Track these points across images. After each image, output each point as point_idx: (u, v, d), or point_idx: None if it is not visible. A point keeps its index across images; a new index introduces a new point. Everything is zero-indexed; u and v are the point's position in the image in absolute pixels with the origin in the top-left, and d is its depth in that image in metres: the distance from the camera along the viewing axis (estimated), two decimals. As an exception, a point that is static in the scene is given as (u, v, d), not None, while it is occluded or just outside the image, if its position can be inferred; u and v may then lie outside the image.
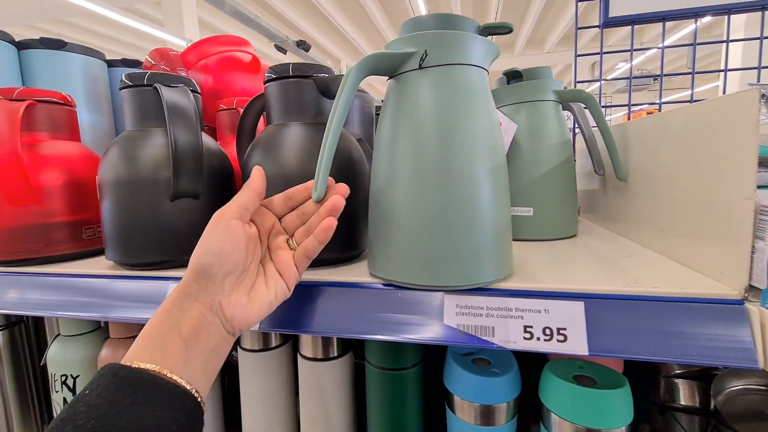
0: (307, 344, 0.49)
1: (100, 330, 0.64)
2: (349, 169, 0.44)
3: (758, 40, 0.76)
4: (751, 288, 0.31)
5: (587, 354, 0.31)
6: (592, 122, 0.57)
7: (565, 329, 0.32)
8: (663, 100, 0.82)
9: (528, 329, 0.33)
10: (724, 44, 0.80)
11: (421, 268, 0.35)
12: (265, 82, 0.46)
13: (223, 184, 0.49)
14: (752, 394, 0.41)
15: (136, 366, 0.26)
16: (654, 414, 0.49)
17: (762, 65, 0.79)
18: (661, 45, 0.80)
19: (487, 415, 0.43)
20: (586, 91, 0.55)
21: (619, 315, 0.32)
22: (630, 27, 0.81)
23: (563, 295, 0.34)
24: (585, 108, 0.57)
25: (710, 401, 0.44)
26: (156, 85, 0.43)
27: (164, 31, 4.24)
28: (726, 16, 0.78)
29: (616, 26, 0.79)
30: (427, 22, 0.35)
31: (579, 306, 0.33)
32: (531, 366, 0.50)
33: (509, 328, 0.33)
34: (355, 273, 0.41)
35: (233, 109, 0.62)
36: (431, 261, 0.34)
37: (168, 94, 0.42)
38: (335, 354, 0.49)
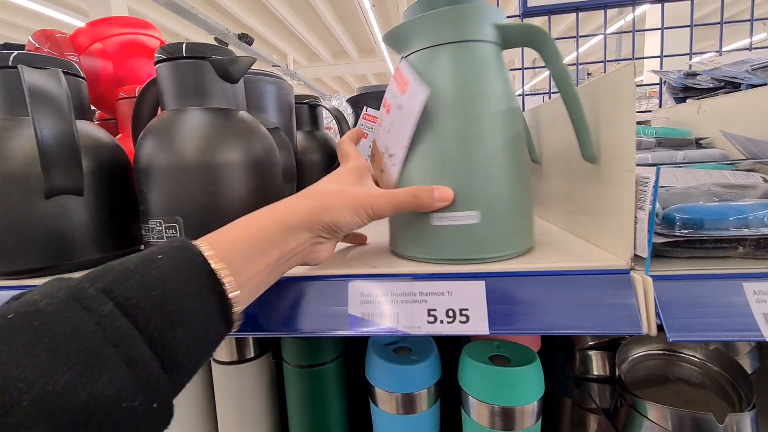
0: (221, 347, 0.46)
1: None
2: (256, 157, 0.41)
3: (661, 30, 0.81)
4: (636, 258, 0.32)
5: (488, 333, 0.31)
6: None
7: (467, 310, 0.32)
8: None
9: (432, 312, 0.32)
10: (642, 33, 0.85)
11: (452, 242, 0.35)
12: (155, 63, 0.42)
13: (115, 178, 0.44)
14: (652, 359, 0.44)
15: (215, 266, 0.25)
16: (571, 386, 0.50)
17: (677, 53, 0.85)
18: (576, 35, 0.84)
19: (408, 403, 0.42)
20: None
21: (518, 292, 0.32)
22: (575, 14, 0.84)
23: (466, 276, 0.33)
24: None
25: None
26: (19, 66, 0.38)
27: (89, 19, 3.90)
28: (632, 6, 0.83)
29: (534, 16, 0.81)
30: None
31: (480, 285, 0.33)
32: (454, 349, 0.50)
33: (414, 313, 0.33)
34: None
35: (135, 98, 0.56)
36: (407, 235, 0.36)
37: (31, 77, 0.37)
38: (252, 355, 0.46)
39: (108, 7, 4.13)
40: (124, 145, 0.49)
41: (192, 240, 0.27)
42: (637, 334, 0.30)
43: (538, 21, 0.83)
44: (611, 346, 0.48)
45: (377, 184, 0.39)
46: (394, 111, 0.37)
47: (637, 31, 0.85)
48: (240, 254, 0.27)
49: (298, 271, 0.36)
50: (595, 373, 0.48)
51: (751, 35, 0.82)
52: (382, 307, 0.33)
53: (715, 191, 0.37)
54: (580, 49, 0.86)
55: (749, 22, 0.84)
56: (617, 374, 0.43)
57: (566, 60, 0.38)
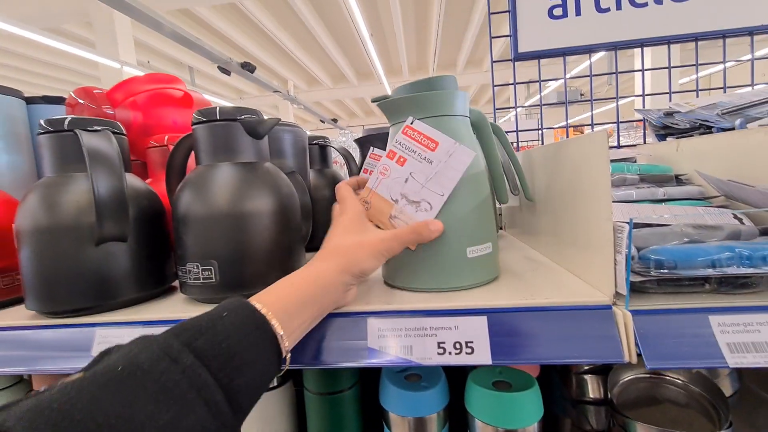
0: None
1: (22, 383, 0.60)
2: (280, 203, 0.46)
3: (642, 72, 0.88)
4: (618, 293, 0.37)
5: (491, 363, 0.36)
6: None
7: (472, 342, 0.37)
8: (572, 121, 0.93)
9: (441, 345, 0.37)
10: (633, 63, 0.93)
11: (416, 276, 0.43)
12: (192, 124, 0.47)
13: (152, 223, 0.50)
14: (641, 382, 0.48)
15: (271, 321, 0.31)
16: (568, 408, 0.54)
17: (661, 91, 0.92)
18: (564, 77, 0.91)
19: (419, 426, 0.46)
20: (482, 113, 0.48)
21: (516, 326, 0.37)
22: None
23: (470, 311, 0.38)
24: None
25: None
26: (76, 130, 0.44)
27: (96, 53, 4.04)
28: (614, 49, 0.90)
29: (525, 60, 0.88)
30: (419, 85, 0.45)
31: (483, 320, 0.37)
32: (461, 376, 0.54)
33: (426, 346, 0.37)
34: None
35: (164, 146, 0.62)
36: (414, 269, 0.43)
37: (89, 140, 0.42)
38: (275, 384, 0.50)
39: (114, 39, 4.30)
40: (155, 189, 0.55)
41: (246, 299, 0.33)
42: (620, 363, 0.35)
43: (528, 64, 0.91)
44: (604, 370, 0.52)
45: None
46: (420, 164, 0.43)
47: (620, 72, 0.92)
48: (288, 311, 0.33)
49: (322, 308, 0.41)
50: (590, 395, 0.52)
51: (724, 77, 0.89)
52: (398, 341, 0.38)
53: (686, 232, 0.42)
54: (575, 71, 0.93)
55: (722, 64, 0.92)
56: (609, 397, 0.47)
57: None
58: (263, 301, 0.32)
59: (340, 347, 0.38)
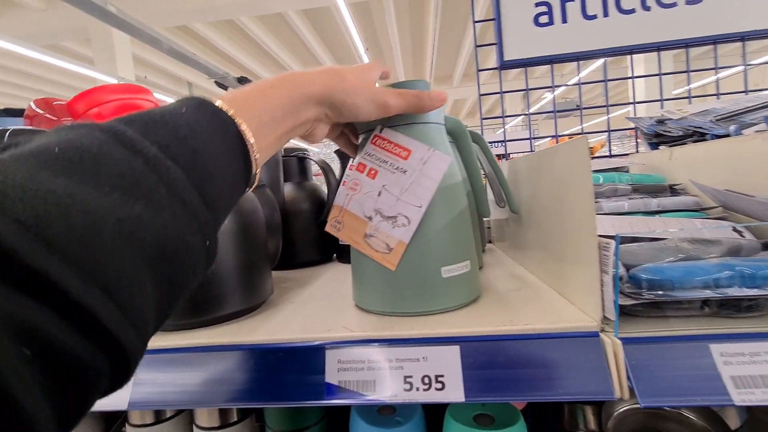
0: (202, 413, 0.45)
1: None
2: (242, 227, 0.43)
3: (631, 79, 0.86)
4: (606, 319, 0.33)
5: (464, 401, 0.31)
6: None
7: (442, 376, 0.32)
8: (566, 131, 0.90)
9: (408, 379, 0.33)
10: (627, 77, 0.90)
11: (401, 298, 0.39)
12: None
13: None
14: (638, 413, 0.43)
15: (243, 128, 0.25)
16: (561, 441, 0.49)
17: (654, 98, 0.89)
18: (552, 85, 0.88)
19: (392, 467, 0.41)
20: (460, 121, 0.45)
21: (493, 356, 0.33)
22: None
23: (440, 340, 0.34)
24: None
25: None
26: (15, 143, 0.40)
27: (95, 69, 4.05)
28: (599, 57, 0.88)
29: (511, 68, 0.86)
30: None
31: (455, 350, 0.33)
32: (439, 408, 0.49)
33: (390, 381, 0.33)
34: (246, 331, 0.39)
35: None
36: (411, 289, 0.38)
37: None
38: (234, 419, 0.45)
39: (113, 55, 4.32)
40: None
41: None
42: (610, 399, 0.30)
43: (514, 72, 0.88)
44: (598, 401, 0.48)
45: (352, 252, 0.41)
46: (392, 175, 0.39)
47: (609, 80, 0.89)
48: (261, 120, 0.27)
49: (277, 337, 0.36)
50: (583, 427, 0.48)
51: (717, 87, 0.86)
52: (359, 375, 0.33)
53: (681, 247, 0.38)
54: (572, 81, 0.91)
55: (715, 72, 0.89)
56: (603, 430, 0.43)
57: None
58: (229, 100, 0.26)
59: (296, 382, 0.34)
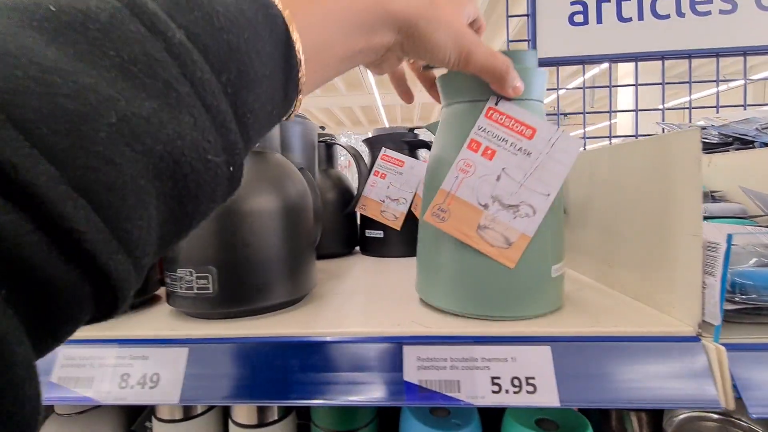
0: (240, 408, 0.42)
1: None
2: (293, 202, 0.39)
3: (635, 86, 0.86)
4: (703, 323, 0.31)
5: (558, 405, 0.29)
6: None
7: (533, 378, 0.30)
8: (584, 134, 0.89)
9: (495, 381, 0.30)
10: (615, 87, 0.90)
11: (468, 298, 0.35)
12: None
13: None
14: (701, 421, 0.42)
15: (294, 37, 0.20)
16: (609, 448, 0.48)
17: (646, 104, 0.89)
18: (583, 86, 0.87)
19: (448, 473, 0.38)
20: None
21: (587, 359, 0.30)
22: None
23: (529, 339, 0.31)
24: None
25: (658, 429, 0.44)
26: None
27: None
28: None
29: (544, 66, 0.84)
30: None
31: (546, 351, 0.31)
32: (496, 411, 0.47)
33: (476, 381, 0.30)
34: (298, 323, 0.36)
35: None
36: (478, 291, 0.34)
37: None
38: (275, 418, 0.42)
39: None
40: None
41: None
42: (715, 409, 0.29)
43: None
44: (649, 404, 0.47)
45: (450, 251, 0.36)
46: (514, 157, 0.34)
47: (614, 86, 0.89)
48: (321, 32, 0.22)
49: (342, 330, 0.33)
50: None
51: (717, 98, 0.86)
52: (441, 374, 0.31)
53: (762, 252, 0.37)
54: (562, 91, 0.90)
55: (715, 82, 0.89)
56: (665, 439, 0.41)
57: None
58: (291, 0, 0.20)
59: (366, 379, 0.31)
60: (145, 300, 0.42)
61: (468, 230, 0.34)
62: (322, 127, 0.69)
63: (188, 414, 0.43)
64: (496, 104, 0.34)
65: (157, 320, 0.38)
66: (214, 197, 0.17)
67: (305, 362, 0.32)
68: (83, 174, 0.11)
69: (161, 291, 0.45)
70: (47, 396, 0.32)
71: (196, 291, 0.35)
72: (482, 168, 0.34)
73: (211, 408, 0.44)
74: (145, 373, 0.32)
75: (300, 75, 0.21)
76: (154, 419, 0.43)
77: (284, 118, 0.22)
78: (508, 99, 0.34)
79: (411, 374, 0.31)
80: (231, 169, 0.17)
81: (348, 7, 0.23)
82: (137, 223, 0.13)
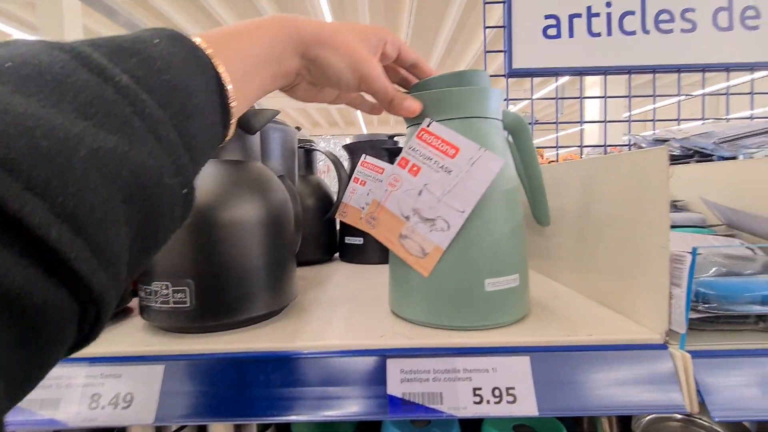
0: (217, 427, 0.41)
1: None
2: (273, 211, 0.39)
3: (604, 98, 0.90)
4: (670, 332, 0.33)
5: (537, 414, 0.30)
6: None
7: (513, 388, 0.31)
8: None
9: (477, 392, 0.31)
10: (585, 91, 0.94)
11: (441, 309, 0.36)
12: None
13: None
14: (667, 420, 0.44)
15: (220, 70, 0.23)
16: (581, 450, 0.50)
17: (613, 117, 0.93)
18: (556, 97, 0.90)
19: (429, 482, 0.39)
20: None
21: (563, 368, 0.31)
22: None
23: (509, 350, 0.32)
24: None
25: (627, 430, 0.46)
26: None
27: (39, 35, 3.66)
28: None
29: (519, 77, 0.87)
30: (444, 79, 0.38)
31: (525, 361, 0.32)
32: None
33: (458, 393, 0.31)
34: (280, 336, 0.35)
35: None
36: (452, 301, 0.35)
37: None
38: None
39: (60, 24, 3.92)
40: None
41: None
42: (680, 413, 0.30)
43: (512, 80, 0.89)
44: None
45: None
46: (436, 174, 0.36)
47: (585, 98, 0.93)
48: (241, 64, 0.24)
49: (325, 343, 0.33)
50: (605, 435, 0.48)
51: (678, 110, 0.92)
52: (424, 386, 0.31)
53: (721, 262, 0.40)
54: (516, 107, 0.93)
55: (676, 96, 0.94)
56: (633, 441, 0.43)
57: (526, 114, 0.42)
58: (207, 38, 0.23)
59: (349, 393, 0.31)
60: (116, 312, 0.41)
61: (392, 237, 0.37)
62: (298, 128, 0.68)
63: None
64: (429, 125, 0.37)
65: (130, 335, 0.36)
66: (174, 218, 0.19)
67: (287, 377, 0.32)
68: (63, 201, 0.13)
69: (133, 303, 0.43)
70: (9, 420, 0.30)
71: (172, 305, 0.34)
72: (407, 183, 0.37)
73: (185, 425, 0.42)
74: (117, 392, 0.31)
75: (230, 102, 0.24)
76: (125, 438, 0.41)
77: (225, 140, 0.25)
78: (442, 120, 0.37)
79: (394, 387, 0.31)
80: (185, 190, 0.19)
81: (260, 45, 0.26)
82: (114, 242, 0.15)
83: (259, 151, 0.43)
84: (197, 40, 0.22)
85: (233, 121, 0.24)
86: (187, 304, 0.34)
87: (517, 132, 0.41)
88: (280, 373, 0.32)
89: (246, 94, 0.25)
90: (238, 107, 0.24)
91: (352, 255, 0.71)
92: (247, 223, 0.36)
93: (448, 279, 0.36)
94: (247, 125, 0.39)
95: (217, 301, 0.35)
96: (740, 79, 0.94)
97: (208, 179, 0.37)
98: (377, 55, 0.35)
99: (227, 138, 0.25)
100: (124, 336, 0.36)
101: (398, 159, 0.38)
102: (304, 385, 0.31)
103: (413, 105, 0.36)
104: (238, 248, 0.36)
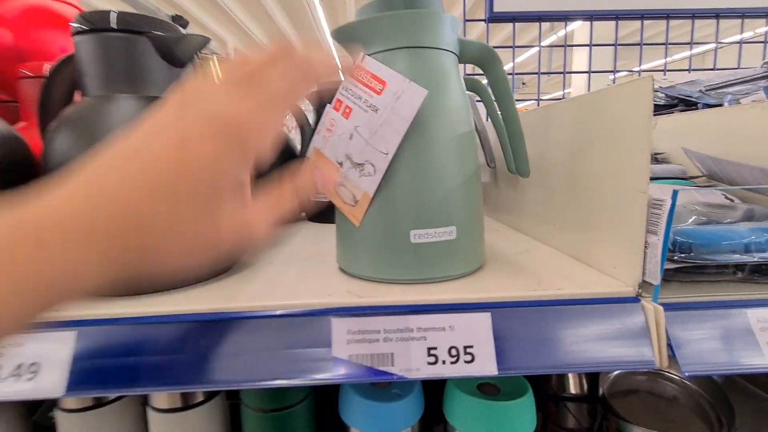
0: (160, 393, 0.37)
1: None
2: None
3: (589, 46, 0.85)
4: (643, 283, 0.30)
5: (496, 374, 0.27)
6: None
7: (472, 347, 0.28)
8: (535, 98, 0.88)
9: (432, 352, 0.28)
10: (571, 49, 0.88)
11: (375, 262, 0.33)
12: (73, 34, 0.32)
13: (12, 177, 0.34)
14: (634, 375, 0.43)
15: None
16: (548, 403, 0.49)
17: (601, 68, 0.89)
18: (538, 45, 0.84)
19: (388, 444, 0.37)
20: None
21: (526, 325, 0.29)
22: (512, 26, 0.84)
23: (468, 306, 0.29)
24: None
25: (598, 389, 0.45)
26: None
27: None
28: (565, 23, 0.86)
29: (500, 21, 0.80)
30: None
31: (486, 318, 0.29)
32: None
33: (411, 353, 0.28)
34: (218, 297, 0.31)
35: (42, 77, 0.45)
36: (381, 253, 0.33)
37: None
38: (200, 399, 0.38)
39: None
40: (28, 136, 0.39)
41: None
42: (649, 368, 0.28)
43: (477, 33, 0.83)
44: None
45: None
46: (365, 114, 0.31)
47: (569, 45, 0.88)
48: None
49: (264, 303, 0.30)
50: (573, 391, 0.47)
51: (665, 60, 0.87)
52: (373, 347, 0.28)
53: (699, 210, 0.37)
54: (516, 60, 0.87)
55: (664, 46, 0.90)
56: (601, 393, 0.42)
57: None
58: None
59: (291, 358, 0.28)
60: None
61: (331, 186, 0.33)
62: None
63: (99, 401, 0.38)
64: (362, 61, 0.32)
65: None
66: None
67: (222, 341, 0.28)
68: None
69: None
70: None
71: (86, 264, 0.30)
72: (340, 127, 0.33)
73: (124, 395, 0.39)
74: (21, 362, 0.27)
75: None
76: (56, 409, 0.38)
77: None
78: (379, 52, 0.32)
79: (340, 349, 0.28)
80: None
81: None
82: None
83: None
84: None
85: None
86: (105, 263, 0.30)
87: (487, 65, 0.35)
88: (211, 338, 0.28)
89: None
90: None
91: (320, 214, 0.66)
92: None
93: (375, 229, 0.33)
94: (169, 55, 0.33)
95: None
96: (730, 38, 0.90)
97: (121, 117, 0.31)
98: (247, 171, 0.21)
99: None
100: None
101: (333, 101, 0.33)
102: (241, 351, 0.28)
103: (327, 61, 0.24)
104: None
